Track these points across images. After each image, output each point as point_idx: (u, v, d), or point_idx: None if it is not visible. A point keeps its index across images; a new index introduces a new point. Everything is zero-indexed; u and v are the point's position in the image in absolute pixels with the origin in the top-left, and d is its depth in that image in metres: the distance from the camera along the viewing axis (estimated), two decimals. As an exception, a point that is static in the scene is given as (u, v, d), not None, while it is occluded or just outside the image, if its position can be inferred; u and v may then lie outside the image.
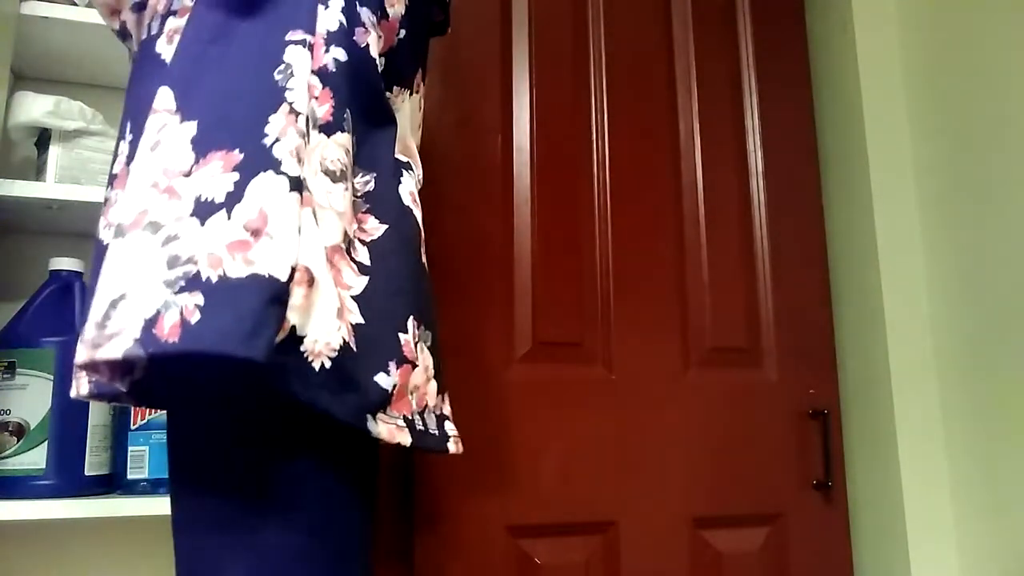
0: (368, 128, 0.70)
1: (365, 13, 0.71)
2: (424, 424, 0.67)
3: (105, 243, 0.70)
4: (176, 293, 0.57)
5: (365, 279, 0.65)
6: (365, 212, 0.68)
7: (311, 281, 0.60)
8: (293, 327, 0.58)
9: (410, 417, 0.66)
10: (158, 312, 0.56)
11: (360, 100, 0.69)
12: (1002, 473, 1.25)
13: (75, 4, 1.18)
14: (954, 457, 1.34)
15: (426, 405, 0.68)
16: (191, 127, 0.63)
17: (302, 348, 0.59)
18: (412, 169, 0.76)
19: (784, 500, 1.36)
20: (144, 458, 1.09)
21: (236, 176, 0.61)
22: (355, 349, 0.62)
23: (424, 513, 1.20)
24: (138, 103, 0.72)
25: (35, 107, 1.12)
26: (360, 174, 0.68)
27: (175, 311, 0.56)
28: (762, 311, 1.42)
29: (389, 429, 0.64)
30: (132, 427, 1.09)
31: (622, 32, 1.45)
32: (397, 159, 0.74)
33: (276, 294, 0.57)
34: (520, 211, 1.34)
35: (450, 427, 0.72)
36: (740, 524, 1.34)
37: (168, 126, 0.64)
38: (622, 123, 1.42)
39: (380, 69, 0.72)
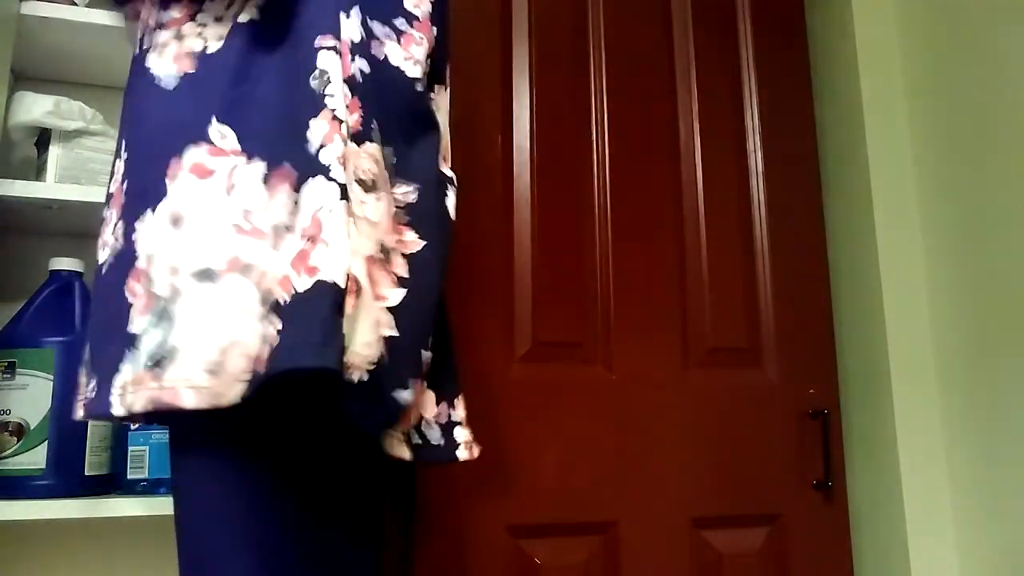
0: (407, 138, 0.70)
1: (376, 26, 0.70)
2: (422, 437, 0.67)
3: (101, 262, 0.68)
4: (267, 325, 0.59)
5: (403, 292, 0.65)
6: (405, 224, 0.67)
7: (359, 291, 0.60)
8: (342, 336, 0.58)
9: (408, 431, 0.66)
10: (258, 349, 0.58)
11: (390, 111, 0.68)
12: (1002, 473, 1.25)
13: (75, 4, 1.17)
14: (954, 457, 1.33)
15: (422, 417, 0.68)
16: (260, 166, 0.63)
17: (344, 359, 0.59)
18: (454, 183, 0.76)
19: (784, 500, 1.36)
20: (144, 458, 1.09)
21: (294, 193, 0.61)
22: (386, 363, 0.61)
23: (424, 513, 1.20)
24: (132, 121, 0.71)
25: (35, 107, 1.12)
26: (400, 185, 0.68)
27: (265, 344, 0.58)
28: (762, 311, 1.42)
29: (392, 444, 0.64)
30: (132, 427, 1.09)
31: (622, 32, 1.45)
32: (442, 172, 0.73)
33: (339, 301, 0.58)
34: (520, 211, 1.34)
35: (460, 433, 0.71)
36: (740, 524, 1.34)
37: (238, 167, 0.64)
38: (622, 123, 1.42)
39: (422, 73, 0.71)
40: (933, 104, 1.42)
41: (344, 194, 0.61)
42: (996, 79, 1.30)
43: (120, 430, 1.10)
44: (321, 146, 0.62)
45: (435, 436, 0.68)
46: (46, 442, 1.03)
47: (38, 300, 1.10)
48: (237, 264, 0.61)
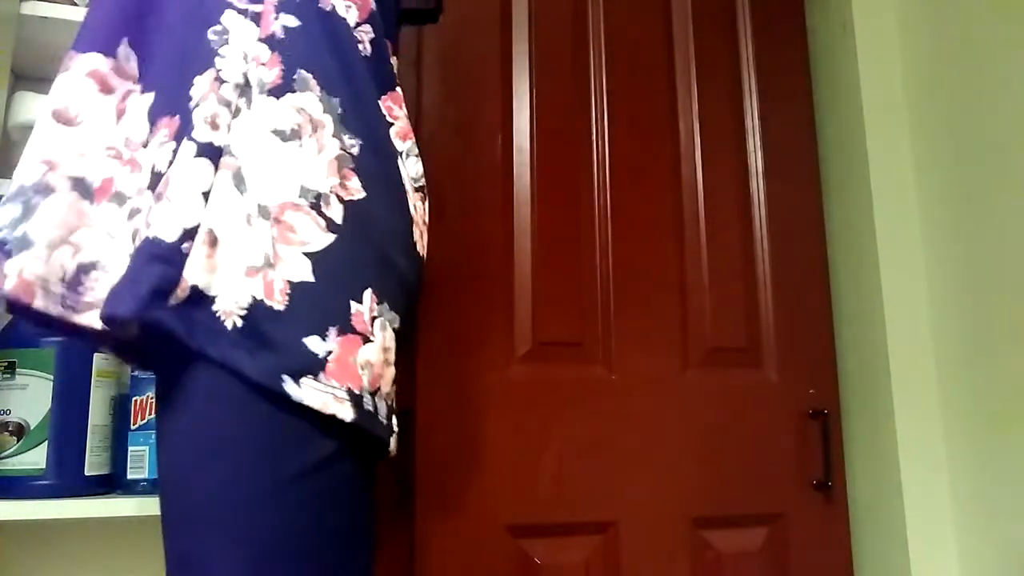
0: (351, 90, 0.71)
1: None
2: (375, 407, 0.65)
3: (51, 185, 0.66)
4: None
5: (331, 237, 0.64)
6: (351, 170, 0.68)
7: (214, 241, 0.61)
8: (195, 287, 0.60)
9: (358, 392, 0.63)
10: None
11: (326, 62, 0.69)
12: (1002, 473, 1.25)
13: (75, 4, 1.18)
14: (954, 457, 1.33)
15: (379, 388, 0.66)
16: (149, 98, 0.67)
17: (214, 308, 0.60)
18: (412, 156, 0.76)
19: (784, 500, 1.36)
20: (144, 458, 1.09)
21: (174, 144, 0.63)
22: (279, 308, 0.61)
23: (424, 513, 1.20)
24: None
25: (35, 107, 1.12)
26: (348, 135, 0.68)
27: None
28: (762, 311, 1.42)
29: (323, 399, 0.61)
30: (132, 427, 1.09)
31: (622, 32, 1.45)
32: (395, 144, 0.74)
33: (156, 254, 0.59)
34: (520, 211, 1.34)
35: (395, 422, 0.69)
36: (740, 524, 1.34)
37: (133, 94, 0.67)
38: (622, 123, 1.42)
39: (371, 36, 0.73)
40: (933, 104, 1.42)
41: (202, 152, 0.62)
42: (996, 79, 1.30)
43: (120, 430, 1.10)
44: (196, 104, 0.64)
45: (384, 411, 0.67)
46: (46, 442, 1.03)
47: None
48: (109, 187, 0.64)
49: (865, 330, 1.42)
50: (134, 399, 1.10)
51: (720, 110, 1.48)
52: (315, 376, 0.61)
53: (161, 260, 0.59)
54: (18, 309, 0.62)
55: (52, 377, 1.05)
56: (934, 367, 1.38)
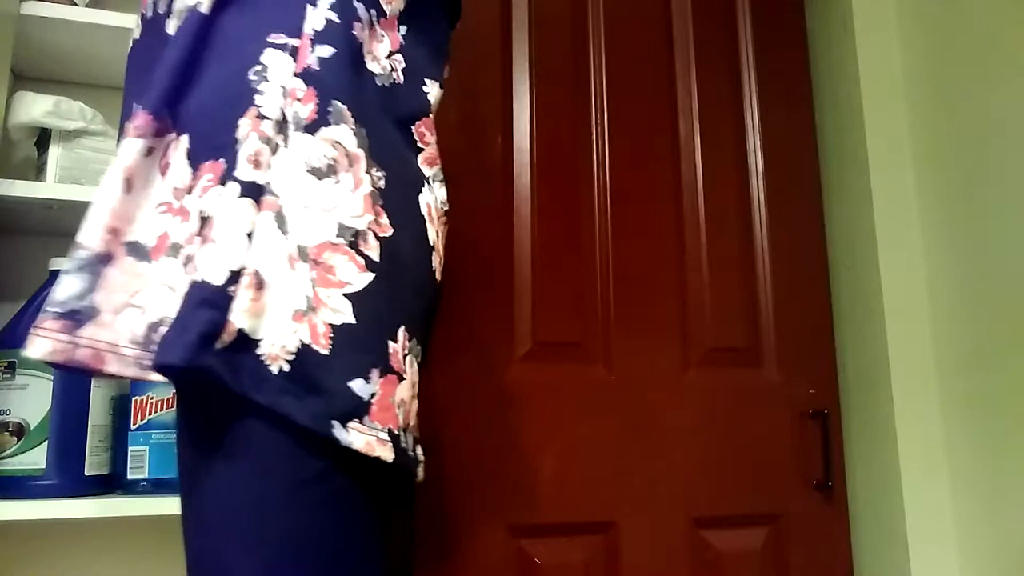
0: (376, 121, 0.70)
1: (360, 8, 0.71)
2: (406, 442, 0.65)
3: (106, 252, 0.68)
4: None
5: (370, 276, 0.64)
6: (381, 207, 0.67)
7: (260, 284, 0.60)
8: (241, 330, 0.59)
9: (396, 432, 0.63)
10: None
11: (357, 92, 0.69)
12: (1002, 473, 1.25)
13: (75, 4, 1.18)
14: (954, 457, 1.33)
15: (408, 424, 0.66)
16: (185, 140, 0.66)
17: (259, 351, 0.59)
18: (437, 182, 0.76)
19: (784, 500, 1.36)
20: (144, 458, 1.08)
21: (222, 187, 0.62)
22: (324, 352, 0.61)
23: (424, 513, 1.20)
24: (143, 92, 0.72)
25: (35, 107, 1.12)
26: (375, 168, 0.68)
27: None
28: (762, 311, 1.42)
29: (368, 441, 0.61)
30: (132, 427, 1.09)
31: (622, 32, 1.45)
32: (420, 169, 0.74)
33: (205, 298, 0.58)
34: (520, 211, 1.34)
35: (420, 452, 0.70)
36: (740, 524, 1.34)
37: (171, 144, 0.67)
38: (622, 123, 1.42)
39: (380, 69, 0.73)
40: (933, 104, 1.42)
41: (245, 192, 0.61)
42: (996, 78, 1.30)
43: (120, 430, 1.10)
44: (239, 143, 0.63)
45: (411, 444, 0.67)
46: (46, 442, 1.03)
47: (38, 300, 1.10)
48: (164, 242, 0.65)
49: (865, 330, 1.42)
50: (134, 399, 1.10)
51: (720, 110, 1.48)
52: (360, 419, 0.61)
53: (208, 304, 0.58)
54: (90, 373, 0.65)
55: (52, 377, 1.05)
56: (934, 367, 1.38)
